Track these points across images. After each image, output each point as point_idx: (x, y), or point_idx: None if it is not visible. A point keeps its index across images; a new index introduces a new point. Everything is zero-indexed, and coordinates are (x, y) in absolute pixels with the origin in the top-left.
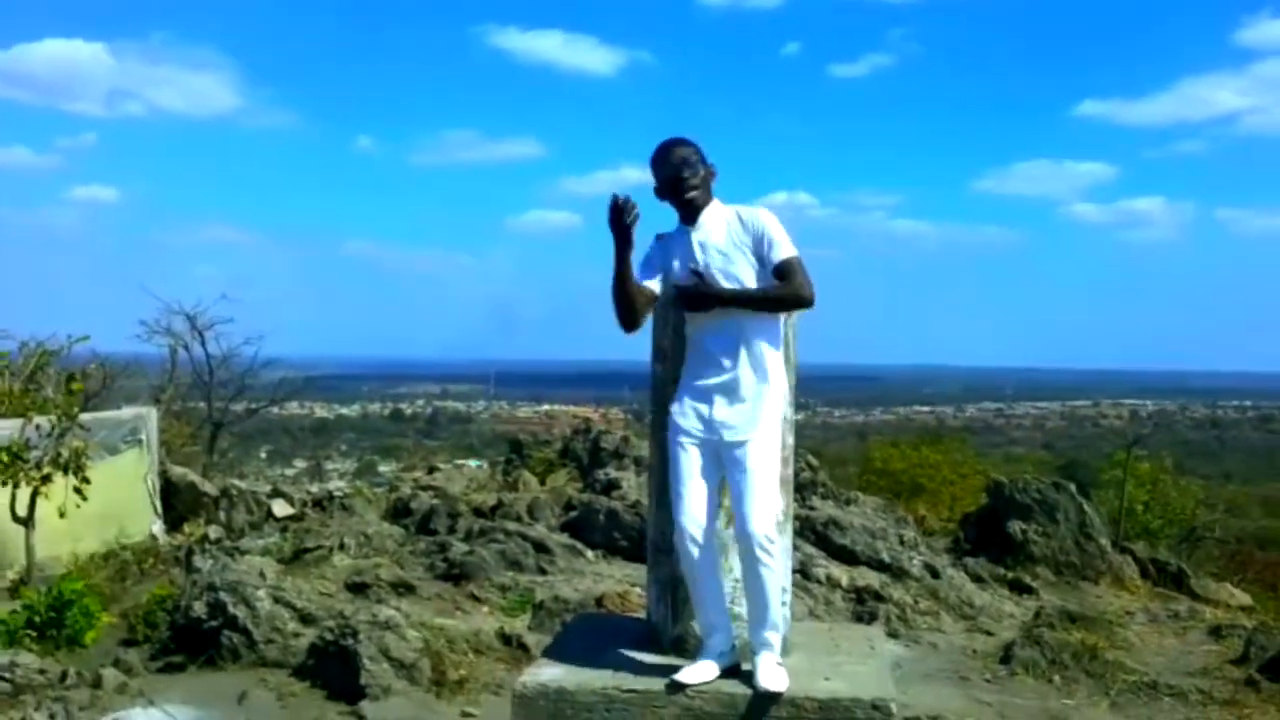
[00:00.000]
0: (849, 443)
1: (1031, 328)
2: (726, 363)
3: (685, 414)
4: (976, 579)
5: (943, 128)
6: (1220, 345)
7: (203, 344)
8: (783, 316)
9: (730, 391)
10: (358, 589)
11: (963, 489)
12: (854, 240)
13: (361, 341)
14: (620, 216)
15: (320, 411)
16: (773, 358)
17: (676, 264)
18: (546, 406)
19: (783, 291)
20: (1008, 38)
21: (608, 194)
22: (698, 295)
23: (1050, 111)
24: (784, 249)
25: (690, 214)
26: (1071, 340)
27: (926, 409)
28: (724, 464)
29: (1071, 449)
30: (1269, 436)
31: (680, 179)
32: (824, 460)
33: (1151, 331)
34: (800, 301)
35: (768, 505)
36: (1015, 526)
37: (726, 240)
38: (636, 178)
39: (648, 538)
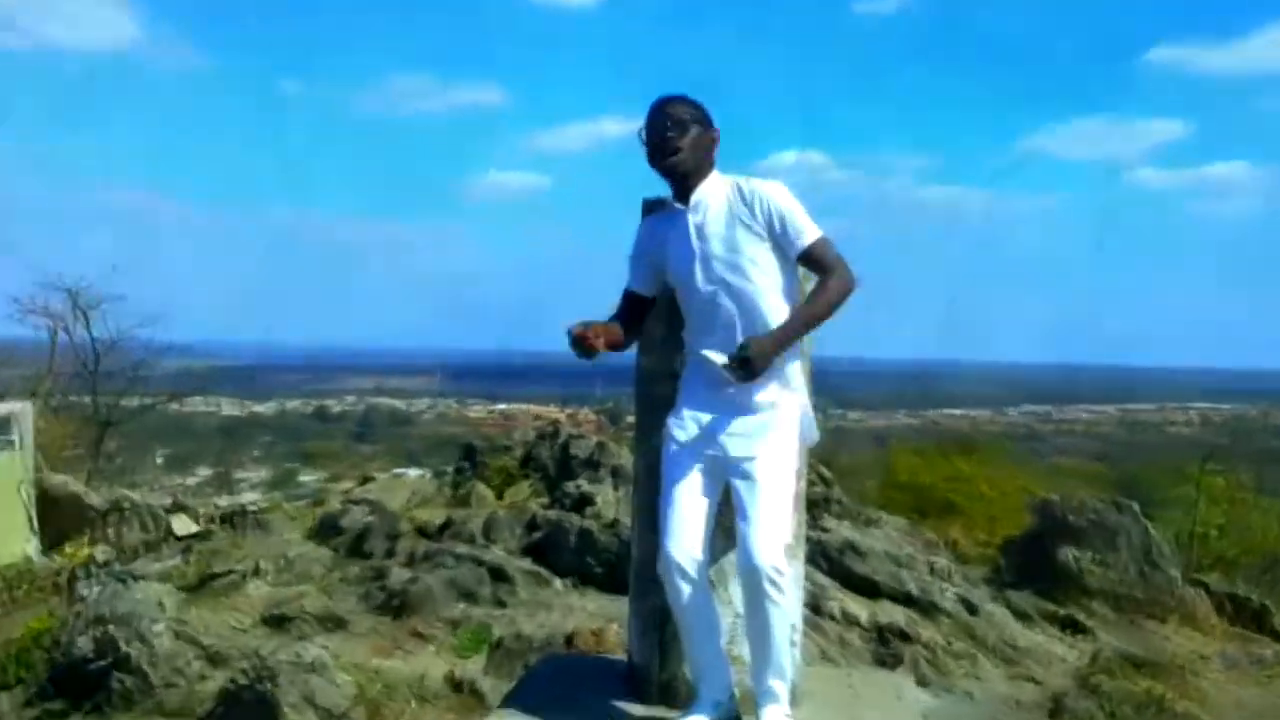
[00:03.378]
0: (866, 451)
1: (1084, 316)
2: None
3: (684, 423)
4: (1021, 616)
5: (983, 78)
6: None
7: (87, 326)
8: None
9: (739, 398)
10: (277, 623)
11: (1002, 508)
12: (875, 209)
13: (281, 326)
14: (582, 349)
15: (230, 409)
16: (788, 357)
17: (672, 255)
18: (504, 405)
19: (829, 297)
20: None
21: (584, 152)
22: (752, 368)
23: (1114, 60)
24: (807, 231)
25: (681, 188)
26: (1132, 332)
27: (958, 411)
28: (729, 482)
29: (1130, 461)
30: None
31: (664, 141)
32: (837, 472)
33: (1230, 321)
34: (847, 294)
35: (778, 532)
36: (1067, 554)
37: (727, 221)
38: (617, 131)
39: (631, 563)
